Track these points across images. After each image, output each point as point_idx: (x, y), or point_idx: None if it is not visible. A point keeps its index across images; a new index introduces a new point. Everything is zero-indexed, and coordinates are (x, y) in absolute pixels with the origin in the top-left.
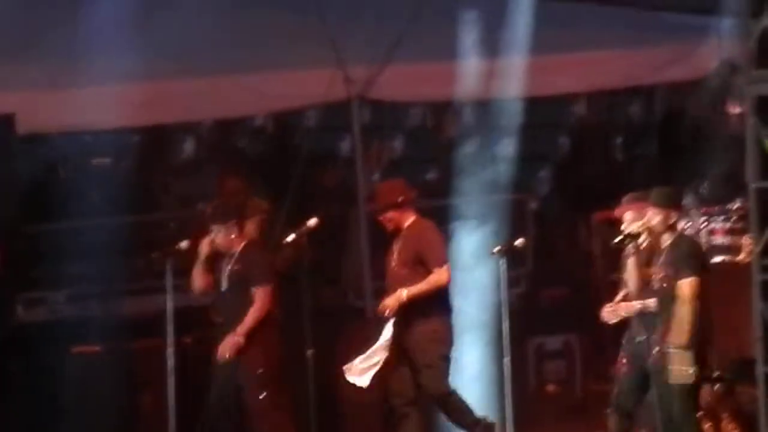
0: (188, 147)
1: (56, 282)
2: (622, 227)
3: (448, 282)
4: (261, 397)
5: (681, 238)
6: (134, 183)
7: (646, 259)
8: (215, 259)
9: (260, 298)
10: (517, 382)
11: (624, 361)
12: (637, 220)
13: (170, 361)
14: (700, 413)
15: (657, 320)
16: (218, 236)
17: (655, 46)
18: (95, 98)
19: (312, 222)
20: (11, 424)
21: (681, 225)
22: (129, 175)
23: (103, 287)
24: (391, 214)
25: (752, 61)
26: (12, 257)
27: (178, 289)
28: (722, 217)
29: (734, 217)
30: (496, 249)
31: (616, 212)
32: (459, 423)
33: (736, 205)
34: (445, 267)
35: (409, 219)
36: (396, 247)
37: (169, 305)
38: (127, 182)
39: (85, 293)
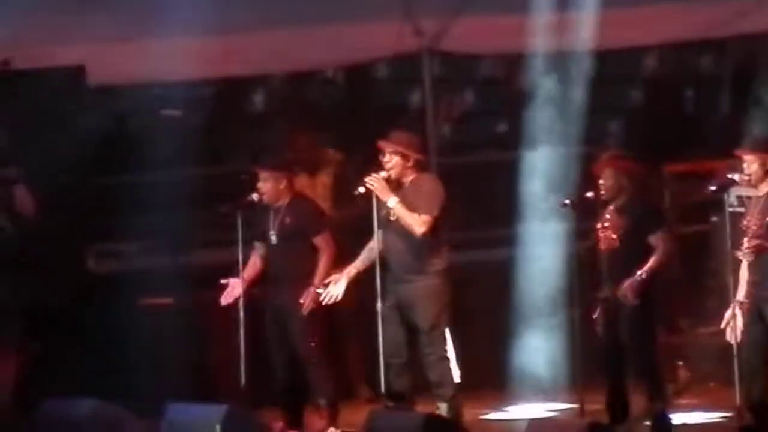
0: (258, 99)
1: (127, 234)
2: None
3: (421, 234)
4: (311, 348)
5: None
6: (204, 135)
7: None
8: (259, 209)
9: (328, 245)
10: (586, 334)
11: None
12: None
13: (241, 312)
14: None
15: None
16: (265, 185)
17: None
18: (165, 50)
19: (383, 173)
20: (82, 376)
21: None
22: (199, 128)
23: (174, 239)
24: (398, 161)
25: None
26: (83, 209)
27: (248, 242)
28: None
29: None
30: (566, 201)
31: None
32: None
33: None
34: (428, 219)
35: (412, 175)
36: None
37: (240, 257)
38: (198, 134)
39: (156, 245)
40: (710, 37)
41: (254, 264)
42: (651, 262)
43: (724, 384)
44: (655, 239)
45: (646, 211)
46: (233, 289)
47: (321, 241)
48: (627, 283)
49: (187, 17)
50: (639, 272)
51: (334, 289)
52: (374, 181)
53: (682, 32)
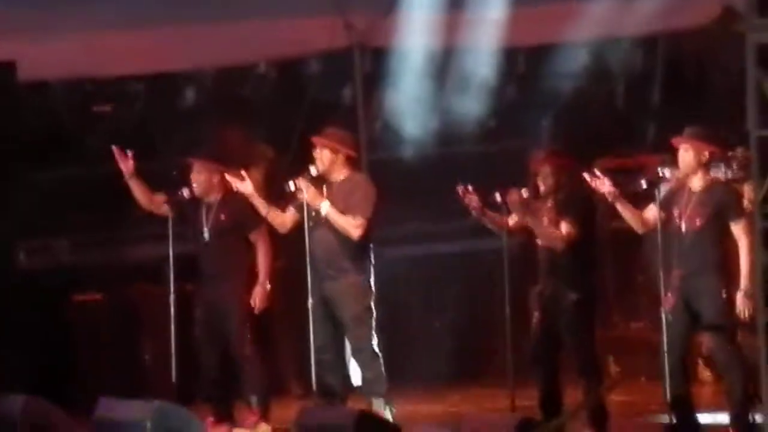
0: (190, 95)
1: (58, 229)
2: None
3: (356, 238)
4: (247, 343)
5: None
6: (136, 130)
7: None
8: (190, 205)
9: (264, 240)
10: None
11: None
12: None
13: (172, 308)
14: (700, 360)
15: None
16: (198, 177)
17: None
18: (96, 46)
19: (313, 170)
20: (13, 371)
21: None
22: (131, 123)
23: (106, 235)
24: (329, 157)
25: (754, 8)
26: (13, 204)
27: (179, 236)
28: (723, 165)
29: (735, 165)
30: (499, 197)
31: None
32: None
33: (737, 153)
34: (362, 222)
35: (344, 172)
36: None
37: (171, 252)
38: (129, 130)
39: (87, 241)
40: (641, 33)
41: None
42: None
43: (654, 379)
44: None
45: (586, 206)
46: None
47: (257, 236)
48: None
49: (117, 12)
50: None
51: None
52: (305, 188)
53: (614, 27)
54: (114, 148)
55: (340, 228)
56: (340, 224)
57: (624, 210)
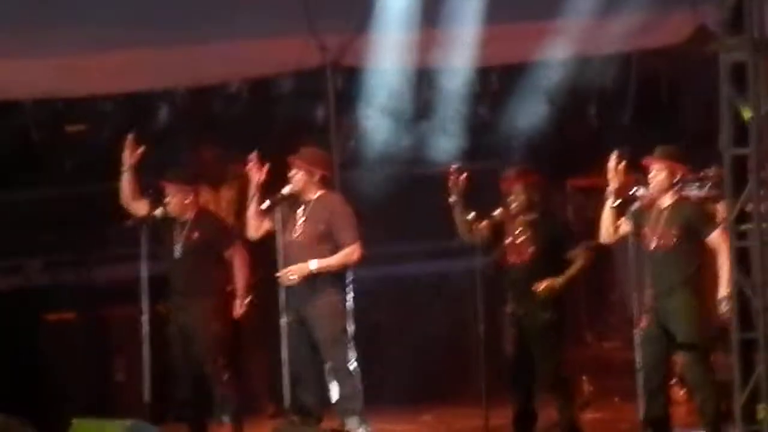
0: (163, 114)
1: (31, 250)
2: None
3: (358, 261)
4: (219, 361)
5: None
6: (108, 150)
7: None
8: (166, 224)
9: (240, 256)
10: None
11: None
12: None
13: (144, 329)
14: (674, 380)
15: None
16: (172, 199)
17: (631, 13)
18: (68, 66)
19: (287, 189)
20: None
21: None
22: (103, 142)
23: (78, 255)
24: (301, 176)
25: (726, 28)
26: None
27: (152, 257)
28: (696, 184)
29: (708, 184)
30: (471, 216)
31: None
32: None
33: (710, 171)
34: (356, 245)
35: (317, 191)
36: (301, 217)
37: (144, 273)
38: (102, 149)
39: (59, 261)
40: (614, 52)
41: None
42: (571, 270)
43: (628, 398)
44: (575, 254)
45: (557, 226)
46: None
47: (234, 251)
48: (545, 283)
49: (90, 32)
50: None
51: None
52: (292, 274)
53: (587, 46)
54: (129, 136)
55: (340, 266)
56: (339, 264)
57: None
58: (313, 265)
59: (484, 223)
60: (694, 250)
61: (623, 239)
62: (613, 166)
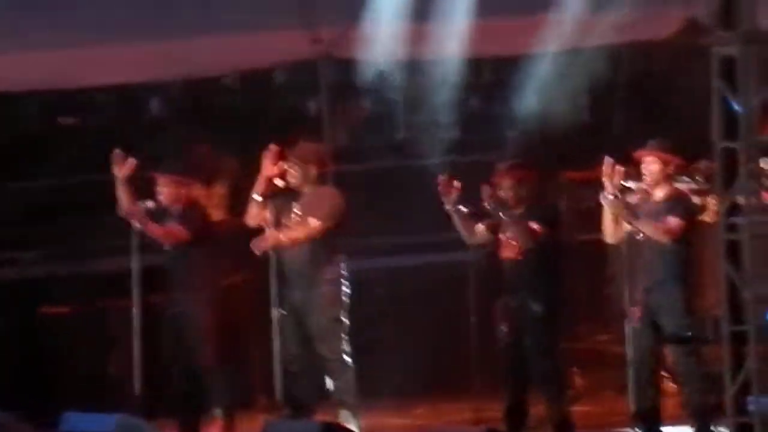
0: (156, 106)
1: (25, 241)
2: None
3: (318, 232)
4: (211, 354)
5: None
6: (102, 142)
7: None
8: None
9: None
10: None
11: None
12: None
13: (136, 321)
14: (665, 374)
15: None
16: (164, 191)
17: (622, 6)
18: (62, 58)
19: (280, 182)
20: None
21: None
22: (97, 135)
23: (72, 247)
24: (297, 172)
25: (717, 21)
26: None
27: (145, 248)
28: (687, 177)
29: (700, 177)
30: (465, 209)
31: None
32: (343, 391)
33: (701, 164)
34: (316, 223)
35: (314, 185)
36: (295, 211)
37: (135, 265)
38: (95, 141)
39: (53, 253)
40: (606, 45)
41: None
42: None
43: (620, 392)
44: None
45: (546, 219)
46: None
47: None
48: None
49: (83, 25)
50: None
51: None
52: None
53: (579, 40)
54: (116, 152)
55: (304, 237)
56: (301, 235)
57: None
58: (284, 236)
59: (485, 224)
60: (685, 243)
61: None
62: (608, 170)
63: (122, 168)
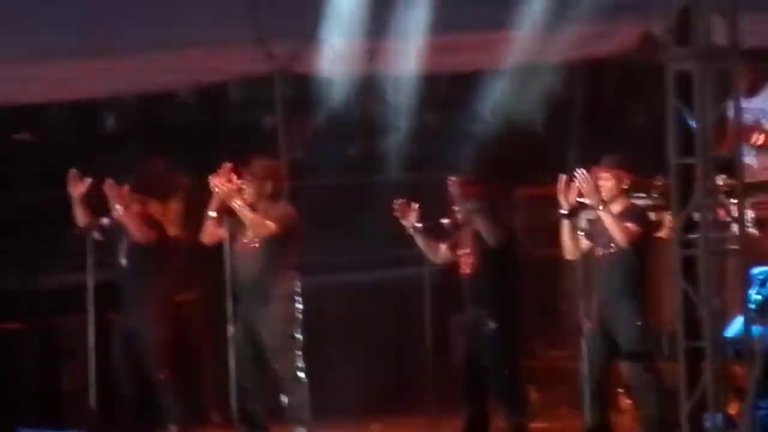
0: (111, 122)
1: None
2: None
3: (268, 232)
4: (165, 369)
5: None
6: (56, 158)
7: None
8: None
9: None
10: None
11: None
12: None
13: (91, 337)
14: (620, 390)
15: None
16: (119, 206)
17: (578, 23)
18: (15, 74)
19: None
20: None
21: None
22: (51, 151)
23: (25, 263)
24: (252, 189)
25: (673, 37)
26: None
27: (100, 265)
28: (643, 193)
29: (655, 194)
30: (420, 225)
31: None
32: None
33: (657, 181)
34: (270, 224)
35: (267, 202)
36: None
37: (90, 281)
38: (49, 158)
39: (6, 269)
40: (561, 61)
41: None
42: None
43: (576, 407)
44: None
45: (504, 235)
46: None
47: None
48: None
49: (36, 40)
50: None
51: None
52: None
53: (535, 55)
54: (71, 171)
55: (255, 226)
56: (254, 222)
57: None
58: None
59: (447, 244)
60: (640, 258)
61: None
62: (563, 187)
63: (77, 187)
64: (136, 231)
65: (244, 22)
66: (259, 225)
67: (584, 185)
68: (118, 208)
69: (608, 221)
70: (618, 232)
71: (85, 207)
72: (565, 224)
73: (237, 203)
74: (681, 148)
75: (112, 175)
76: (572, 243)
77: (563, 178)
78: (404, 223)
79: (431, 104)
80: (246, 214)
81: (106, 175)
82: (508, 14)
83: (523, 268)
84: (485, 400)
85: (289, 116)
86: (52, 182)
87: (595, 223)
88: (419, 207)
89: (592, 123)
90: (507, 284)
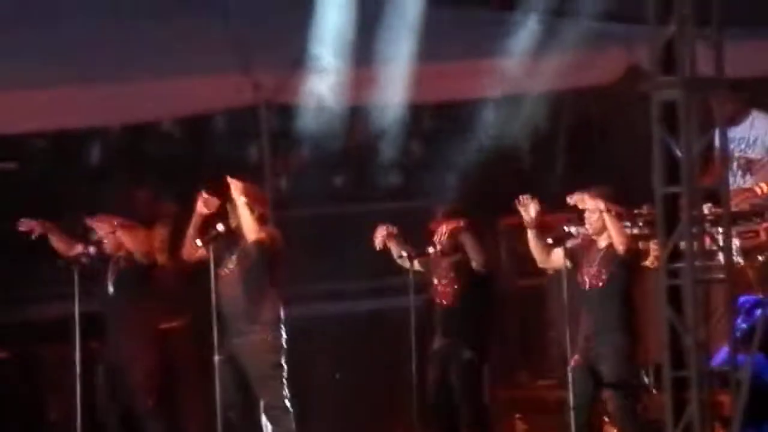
0: (95, 152)
1: None
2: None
3: (255, 233)
4: (150, 399)
5: None
6: (40, 188)
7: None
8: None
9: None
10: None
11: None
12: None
13: (77, 368)
14: (606, 420)
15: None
16: (107, 237)
17: (564, 52)
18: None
19: (220, 227)
20: None
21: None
22: (35, 181)
23: (11, 293)
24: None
25: (658, 66)
26: None
27: (86, 295)
28: (629, 223)
29: (641, 223)
30: (404, 255)
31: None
32: None
33: (643, 210)
34: (262, 236)
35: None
36: (235, 254)
37: (76, 311)
38: (33, 188)
39: None
40: (547, 91)
41: None
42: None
43: None
44: None
45: (480, 268)
46: None
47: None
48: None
49: (20, 69)
50: None
51: None
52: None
53: (520, 85)
54: (20, 222)
55: (247, 223)
56: (249, 220)
57: (534, 240)
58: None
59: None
60: (628, 290)
61: (558, 276)
62: (523, 203)
63: (34, 231)
64: (135, 246)
65: (230, 52)
66: (253, 229)
67: (581, 203)
68: (111, 230)
69: (609, 222)
70: (618, 235)
71: (56, 234)
72: (530, 234)
73: (242, 200)
74: (667, 177)
75: (96, 206)
76: (541, 253)
77: (523, 197)
78: (393, 251)
79: (416, 134)
80: (246, 214)
81: (90, 205)
82: (495, 43)
83: (505, 298)
84: (457, 428)
85: (274, 147)
86: (36, 212)
87: (584, 252)
88: (403, 236)
89: (577, 152)
90: (486, 314)
